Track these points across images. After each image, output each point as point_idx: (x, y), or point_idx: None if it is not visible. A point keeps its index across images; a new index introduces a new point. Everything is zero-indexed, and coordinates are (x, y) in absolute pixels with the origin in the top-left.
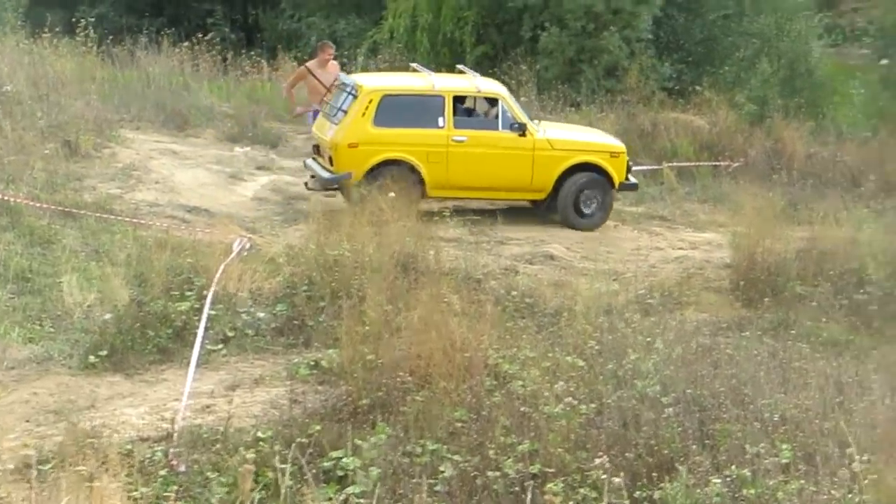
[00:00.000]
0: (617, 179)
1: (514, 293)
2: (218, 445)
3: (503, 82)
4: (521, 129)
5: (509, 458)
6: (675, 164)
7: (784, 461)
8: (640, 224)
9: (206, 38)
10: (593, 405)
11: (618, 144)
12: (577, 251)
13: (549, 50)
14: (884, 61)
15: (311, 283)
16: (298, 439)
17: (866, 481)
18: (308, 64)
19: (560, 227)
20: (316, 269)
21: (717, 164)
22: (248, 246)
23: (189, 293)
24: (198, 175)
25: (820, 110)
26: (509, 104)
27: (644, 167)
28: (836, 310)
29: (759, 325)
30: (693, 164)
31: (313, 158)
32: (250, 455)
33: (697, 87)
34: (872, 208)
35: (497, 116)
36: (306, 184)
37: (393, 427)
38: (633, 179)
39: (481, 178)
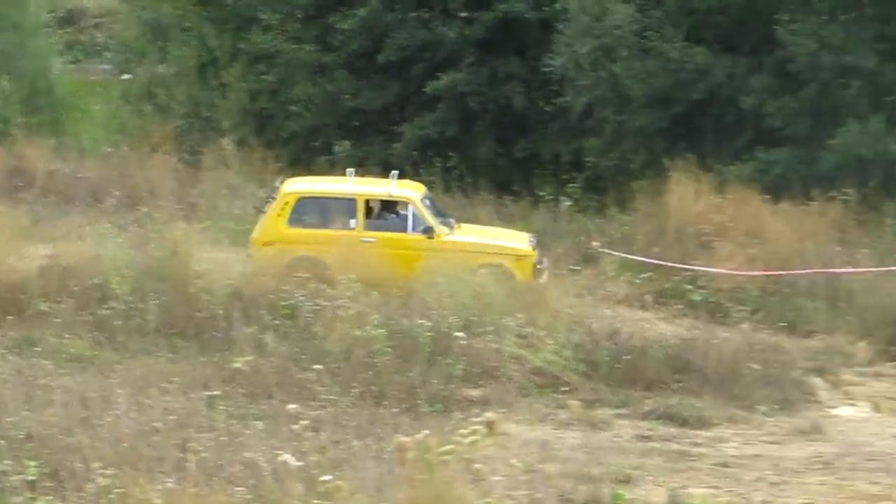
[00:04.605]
0: (522, 279)
1: None
2: None
3: None
4: (429, 232)
5: None
6: None
7: (30, 478)
8: None
9: None
10: None
11: (525, 247)
12: None
13: None
14: (125, 76)
15: None
16: None
17: (112, 495)
18: None
19: None
20: None
21: None
22: None
23: None
24: None
25: (62, 127)
26: (420, 209)
27: None
28: (80, 326)
29: (2, 343)
30: None
31: None
32: None
33: None
34: (115, 223)
35: (407, 220)
36: None
37: None
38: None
39: (389, 277)
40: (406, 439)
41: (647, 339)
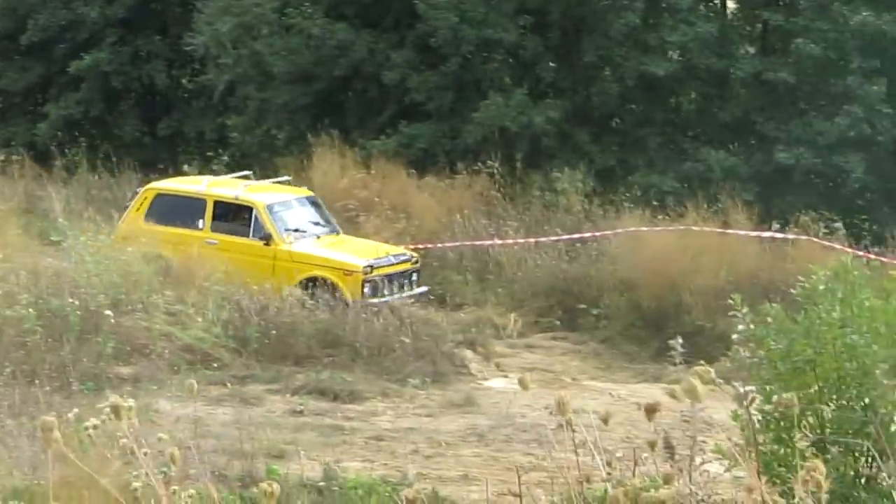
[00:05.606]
0: (349, 295)
1: None
2: None
3: None
4: (267, 239)
5: None
6: None
7: None
8: None
9: None
10: None
11: (355, 263)
12: None
13: None
14: None
15: None
16: None
17: None
18: None
19: None
20: None
21: None
22: None
23: None
24: None
25: None
26: (263, 215)
27: None
28: None
29: None
30: None
31: None
32: None
33: None
34: None
35: (250, 225)
36: None
37: None
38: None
39: (229, 279)
40: (50, 419)
41: (296, 314)
